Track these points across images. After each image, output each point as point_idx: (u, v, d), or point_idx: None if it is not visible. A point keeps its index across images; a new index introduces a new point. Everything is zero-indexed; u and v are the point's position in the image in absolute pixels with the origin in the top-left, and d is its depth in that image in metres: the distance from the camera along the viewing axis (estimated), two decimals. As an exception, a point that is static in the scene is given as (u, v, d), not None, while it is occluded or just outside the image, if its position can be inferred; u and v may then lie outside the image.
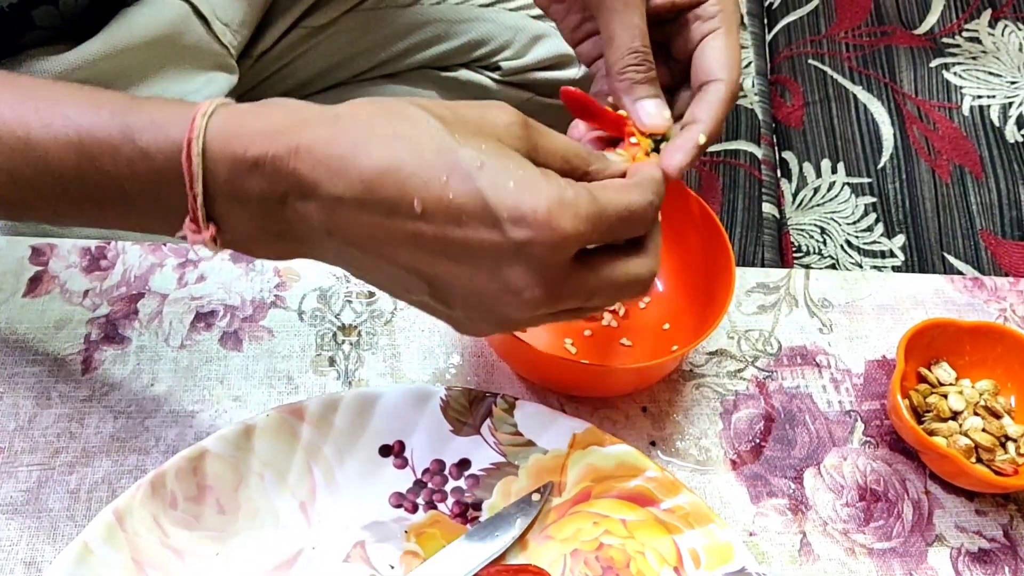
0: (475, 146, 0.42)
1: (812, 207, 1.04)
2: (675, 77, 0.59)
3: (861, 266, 0.98)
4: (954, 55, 1.16)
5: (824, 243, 1.00)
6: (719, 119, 0.55)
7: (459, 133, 0.43)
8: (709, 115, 0.54)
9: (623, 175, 0.49)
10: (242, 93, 0.90)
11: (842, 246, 1.00)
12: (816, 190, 1.05)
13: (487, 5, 0.94)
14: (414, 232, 0.42)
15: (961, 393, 0.66)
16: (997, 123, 1.10)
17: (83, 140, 0.45)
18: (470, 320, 0.47)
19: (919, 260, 1.00)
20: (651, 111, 0.55)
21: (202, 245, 0.45)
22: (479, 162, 0.42)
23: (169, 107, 0.45)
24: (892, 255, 1.00)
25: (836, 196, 1.04)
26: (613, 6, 0.55)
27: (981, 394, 0.66)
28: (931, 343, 0.67)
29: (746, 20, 1.22)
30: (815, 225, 1.02)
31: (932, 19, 1.21)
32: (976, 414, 0.65)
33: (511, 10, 0.95)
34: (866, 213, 1.03)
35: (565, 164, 0.47)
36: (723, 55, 0.56)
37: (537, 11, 0.96)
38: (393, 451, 0.61)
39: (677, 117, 0.58)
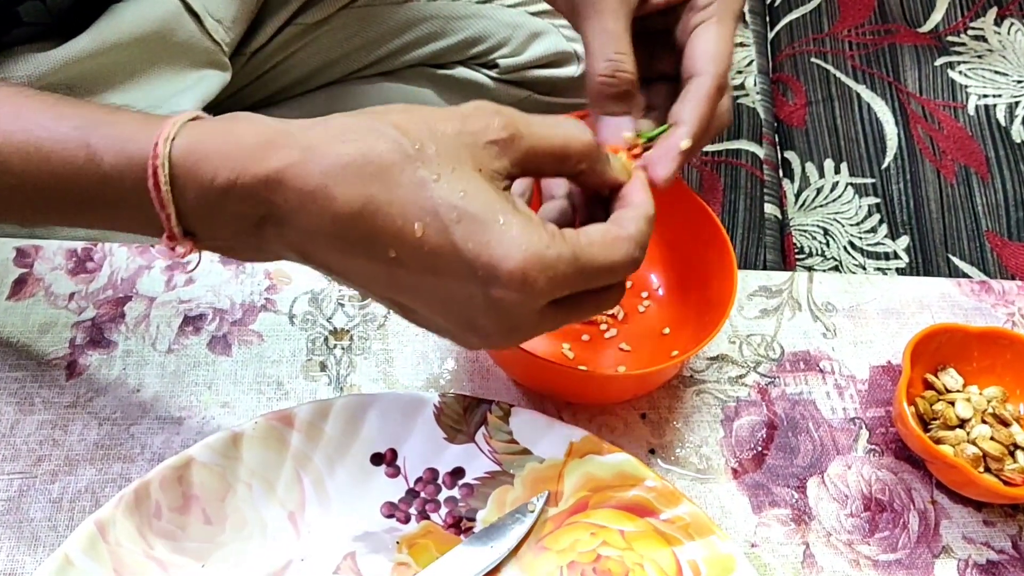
0: (453, 189, 0.41)
1: (815, 208, 1.03)
2: (678, 66, 0.57)
3: (865, 268, 0.97)
4: (959, 53, 1.14)
5: (827, 244, 0.98)
6: (703, 118, 0.52)
7: (437, 165, 0.42)
8: (692, 115, 0.51)
9: (619, 186, 0.48)
10: (235, 91, 0.89)
11: (845, 247, 0.98)
12: (819, 190, 1.04)
13: (484, 2, 0.93)
14: (388, 273, 0.43)
15: (969, 400, 0.64)
16: (1003, 122, 1.08)
17: (47, 156, 0.44)
18: (448, 335, 0.47)
19: (923, 262, 0.98)
20: (609, 130, 0.53)
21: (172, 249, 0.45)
22: (455, 214, 0.41)
23: (133, 125, 0.44)
24: (896, 257, 0.98)
25: (839, 197, 1.03)
26: (585, 13, 0.53)
27: (989, 401, 0.65)
28: (938, 349, 0.66)
29: (748, 18, 1.20)
30: (818, 226, 1.00)
31: (937, 17, 1.19)
32: (984, 422, 0.64)
33: (508, 7, 0.93)
34: (870, 214, 1.01)
35: (559, 164, 0.45)
36: (710, 47, 0.52)
37: (535, 7, 0.94)
38: (385, 459, 0.59)
39: None
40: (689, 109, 0.52)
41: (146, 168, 0.42)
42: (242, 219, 0.43)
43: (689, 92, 0.52)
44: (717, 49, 0.53)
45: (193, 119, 0.44)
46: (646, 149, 0.52)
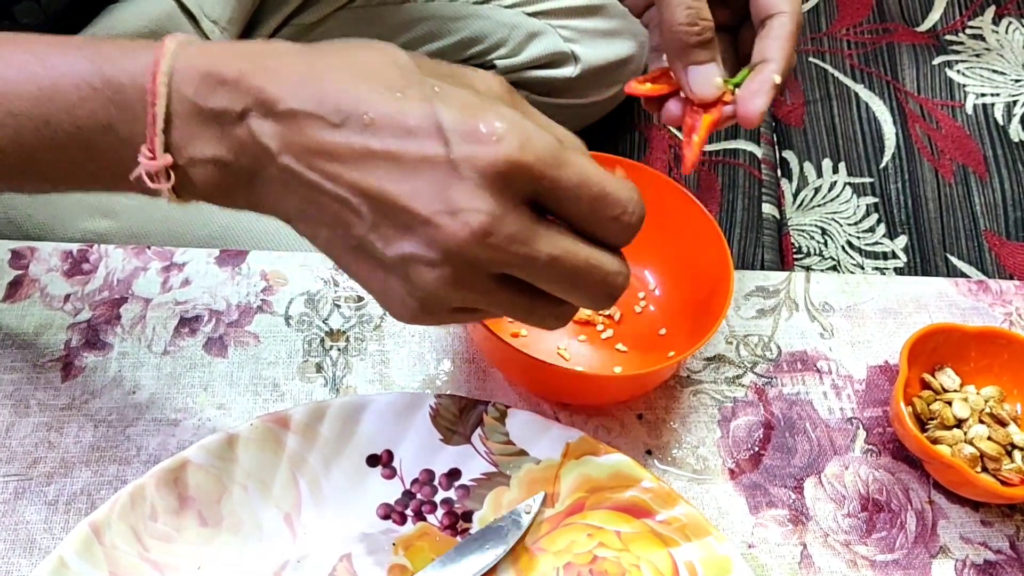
0: (442, 79, 0.41)
1: (813, 207, 1.02)
2: (736, 15, 0.57)
3: (863, 267, 0.97)
4: (957, 52, 1.14)
5: (825, 244, 0.98)
6: (789, 53, 0.53)
7: (431, 72, 0.42)
8: (779, 51, 0.53)
9: None
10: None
11: (843, 247, 0.98)
12: (817, 190, 1.03)
13: (481, 2, 0.93)
14: (362, 146, 0.40)
15: (966, 400, 0.64)
16: (1001, 122, 1.08)
17: (48, 75, 0.44)
18: (402, 279, 0.42)
19: (921, 261, 0.98)
20: (699, 79, 0.53)
21: (152, 183, 0.43)
22: (439, 87, 0.41)
23: (141, 41, 0.44)
24: (894, 256, 0.98)
25: (837, 196, 1.02)
26: None
27: (987, 401, 0.65)
28: (935, 349, 0.66)
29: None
30: (816, 226, 1.00)
31: (935, 16, 1.19)
32: (981, 422, 0.64)
33: (506, 7, 0.93)
34: (868, 213, 1.01)
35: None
36: None
37: (533, 8, 0.94)
38: (381, 461, 0.59)
39: (744, 58, 0.56)
40: (776, 46, 0.53)
41: (148, 65, 0.42)
42: (225, 117, 0.42)
43: (772, 30, 0.53)
44: None
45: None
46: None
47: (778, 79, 0.52)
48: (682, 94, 0.56)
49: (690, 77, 0.53)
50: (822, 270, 0.96)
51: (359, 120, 0.40)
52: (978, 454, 0.62)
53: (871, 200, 1.02)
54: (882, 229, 1.00)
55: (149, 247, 0.69)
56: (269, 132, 0.41)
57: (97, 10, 0.76)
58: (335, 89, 0.41)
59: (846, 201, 1.02)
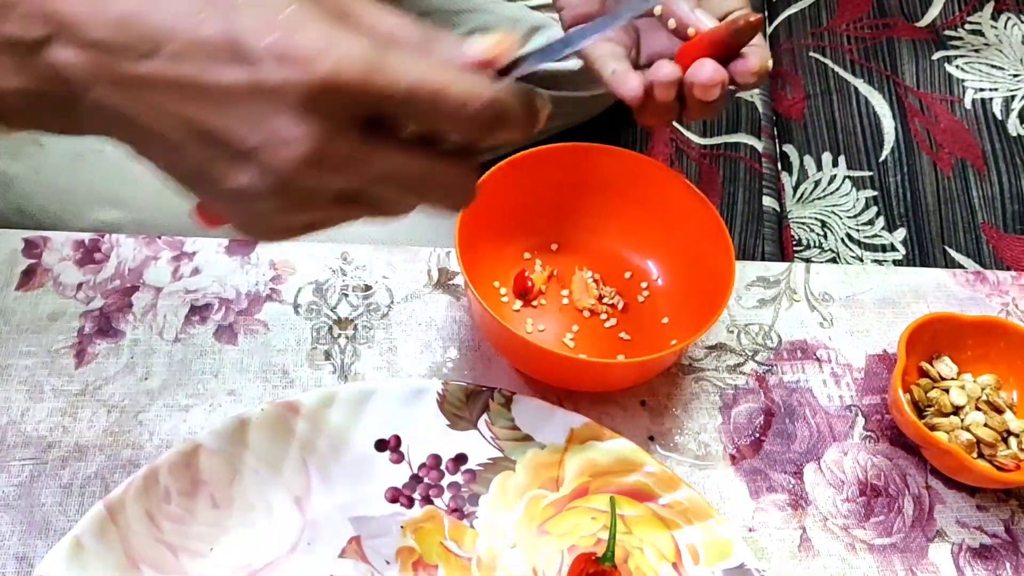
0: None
1: (813, 200, 1.03)
2: None
3: (862, 260, 0.98)
4: (956, 48, 1.15)
5: (825, 236, 0.99)
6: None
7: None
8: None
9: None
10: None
11: (843, 239, 0.99)
12: (817, 183, 1.04)
13: (485, -4, 0.94)
14: (173, 75, 0.38)
15: (963, 388, 0.65)
16: (999, 116, 1.09)
17: None
18: (244, 208, 0.41)
19: (920, 254, 0.99)
20: (704, 17, 0.55)
21: None
22: (243, 1, 0.38)
23: None
24: (893, 249, 0.99)
25: (837, 189, 1.03)
26: None
27: (983, 389, 0.66)
28: (933, 338, 0.67)
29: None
30: (816, 218, 1.01)
31: (934, 11, 1.20)
32: (978, 409, 0.65)
33: (509, 0, 0.94)
34: (867, 206, 1.02)
35: (390, 40, 0.40)
36: None
37: (536, 1, 0.95)
38: (389, 446, 0.60)
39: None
40: None
41: None
42: (21, 46, 0.39)
43: None
44: None
45: None
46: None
47: (756, 16, 0.53)
48: (691, 31, 0.56)
49: (700, 16, 0.55)
50: (822, 262, 0.97)
51: (168, 48, 0.37)
52: (974, 440, 0.63)
53: (870, 193, 1.03)
54: (881, 222, 1.01)
55: (160, 236, 0.70)
56: (76, 62, 0.38)
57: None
58: (130, 11, 0.38)
59: (846, 194, 1.03)
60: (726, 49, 0.54)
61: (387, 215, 0.43)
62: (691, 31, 0.55)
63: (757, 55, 0.54)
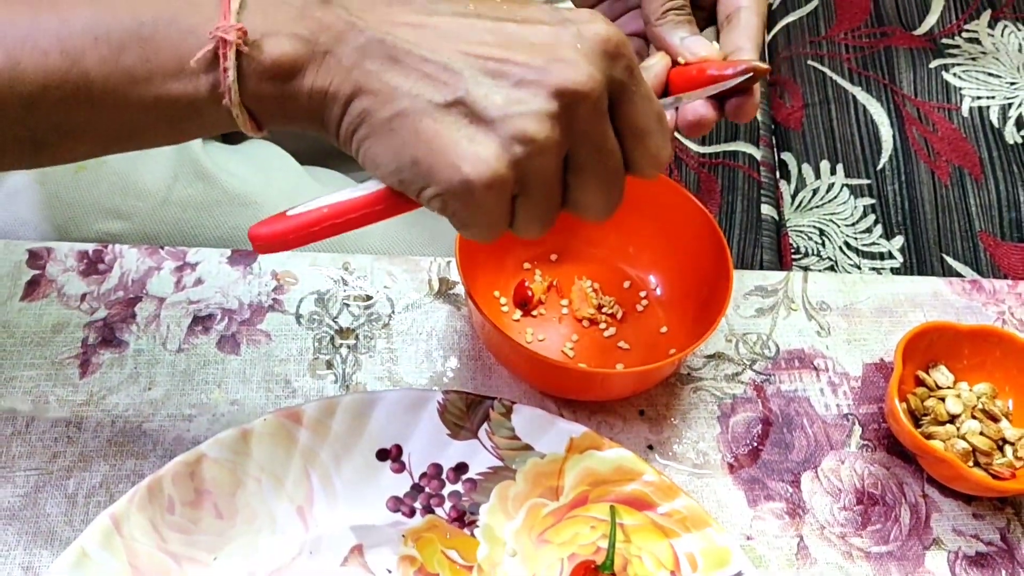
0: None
1: (811, 209, 1.04)
2: (698, 25, 0.60)
3: (860, 267, 0.98)
4: (954, 56, 1.16)
5: (823, 245, 1.00)
6: (758, 43, 0.55)
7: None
8: (749, 40, 0.54)
9: None
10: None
11: (841, 248, 1.00)
12: (815, 191, 1.05)
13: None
14: (467, 10, 0.43)
15: (959, 396, 0.66)
16: (996, 124, 1.09)
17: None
18: (499, 131, 0.41)
19: (918, 262, 0.99)
20: (700, 43, 0.55)
21: (221, 60, 0.41)
22: None
23: None
24: (891, 256, 0.99)
25: (835, 198, 1.04)
26: None
27: (979, 397, 0.66)
28: (929, 346, 0.67)
29: (745, 21, 1.22)
30: (814, 227, 1.02)
31: (932, 20, 1.21)
32: (974, 417, 0.65)
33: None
34: (865, 214, 1.02)
35: None
36: None
37: None
38: (390, 455, 0.61)
39: None
40: (745, 35, 0.55)
41: None
42: (305, 11, 0.42)
43: (740, 22, 0.55)
44: None
45: None
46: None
47: (763, 64, 0.54)
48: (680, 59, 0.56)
49: (692, 45, 0.55)
50: (820, 270, 0.98)
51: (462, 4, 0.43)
52: (970, 449, 0.64)
53: (868, 201, 1.03)
54: (879, 230, 1.01)
55: (162, 247, 0.71)
56: (359, 12, 0.42)
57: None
58: None
59: (844, 202, 1.03)
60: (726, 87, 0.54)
61: (588, 211, 0.46)
62: (681, 59, 0.55)
63: (756, 94, 0.54)
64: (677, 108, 0.54)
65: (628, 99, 0.43)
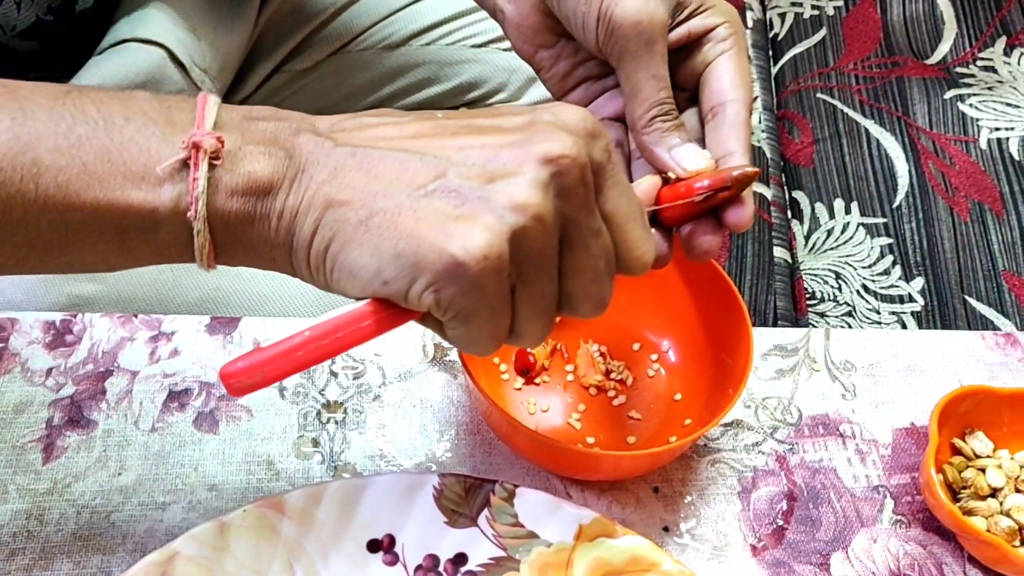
0: None
1: (825, 250, 0.99)
2: (679, 105, 0.55)
3: (878, 312, 0.93)
4: (969, 85, 1.11)
5: (839, 289, 0.95)
6: (748, 143, 0.51)
7: None
8: (738, 142, 0.51)
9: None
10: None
11: (858, 291, 0.95)
12: (829, 232, 1.00)
13: (480, 46, 0.90)
14: (433, 125, 0.42)
15: (1000, 467, 0.61)
16: (1017, 156, 1.05)
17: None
18: (487, 206, 0.39)
19: (939, 304, 0.95)
20: (690, 155, 0.51)
21: (192, 168, 0.39)
22: None
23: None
24: (911, 300, 0.94)
25: (851, 238, 0.99)
26: (636, 53, 0.50)
27: (1022, 467, 0.61)
28: (966, 412, 0.62)
29: (751, 52, 1.18)
30: (829, 270, 0.97)
31: (944, 48, 1.16)
32: (1018, 490, 0.60)
33: (505, 50, 0.90)
34: (882, 255, 0.97)
35: None
36: (736, 76, 0.52)
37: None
38: (382, 546, 0.56)
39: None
40: (734, 136, 0.51)
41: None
42: (278, 135, 0.41)
43: (727, 118, 0.51)
44: (743, 77, 0.52)
45: None
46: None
47: (752, 169, 0.49)
48: (671, 174, 0.52)
49: (680, 158, 0.50)
50: (837, 316, 0.93)
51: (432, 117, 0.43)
52: (1016, 527, 0.58)
53: (885, 241, 0.99)
54: (898, 271, 0.96)
55: (136, 316, 0.65)
56: (331, 134, 0.41)
57: (79, 63, 0.73)
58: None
59: (860, 243, 0.99)
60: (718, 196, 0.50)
61: (582, 304, 0.43)
62: (671, 174, 0.50)
63: (750, 200, 0.50)
64: (676, 231, 0.50)
65: (609, 184, 0.42)
